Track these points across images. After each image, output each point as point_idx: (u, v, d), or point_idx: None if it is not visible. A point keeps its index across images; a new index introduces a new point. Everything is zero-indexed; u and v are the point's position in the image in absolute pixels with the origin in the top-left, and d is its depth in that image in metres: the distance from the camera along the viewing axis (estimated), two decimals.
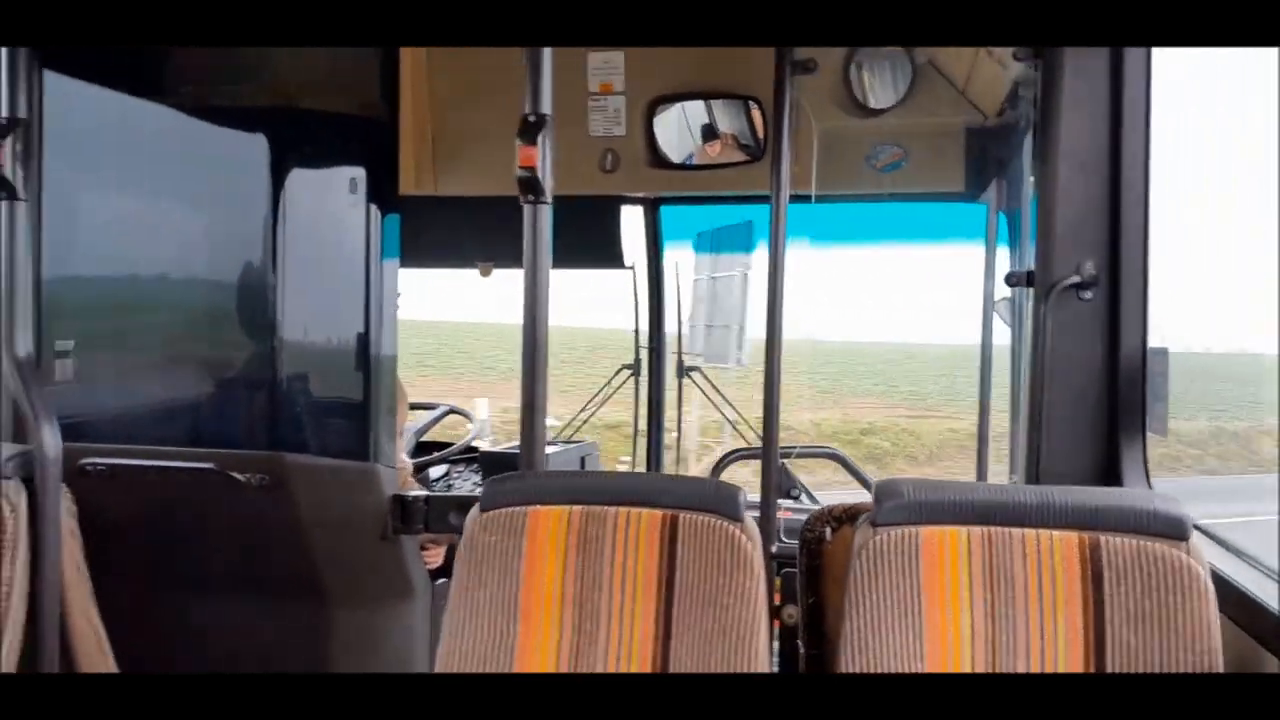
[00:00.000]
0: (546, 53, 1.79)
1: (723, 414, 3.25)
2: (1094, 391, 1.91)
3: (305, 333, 2.08)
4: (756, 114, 2.73)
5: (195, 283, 2.15)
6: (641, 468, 3.49)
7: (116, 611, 2.00)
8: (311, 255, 2.05)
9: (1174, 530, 1.32)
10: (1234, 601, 1.38)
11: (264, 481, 2.01)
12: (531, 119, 1.76)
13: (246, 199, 2.06)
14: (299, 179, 2.05)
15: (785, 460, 2.20)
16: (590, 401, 3.40)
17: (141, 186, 2.13)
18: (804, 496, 2.41)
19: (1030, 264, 2.02)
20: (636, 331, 3.39)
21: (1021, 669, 1.33)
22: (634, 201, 3.19)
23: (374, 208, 2.03)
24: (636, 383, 3.40)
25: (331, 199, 2.09)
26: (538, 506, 1.51)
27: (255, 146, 2.07)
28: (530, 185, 1.76)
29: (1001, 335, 2.80)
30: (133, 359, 2.19)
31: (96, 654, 1.88)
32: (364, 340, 2.07)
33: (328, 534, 2.10)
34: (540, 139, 1.75)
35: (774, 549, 2.02)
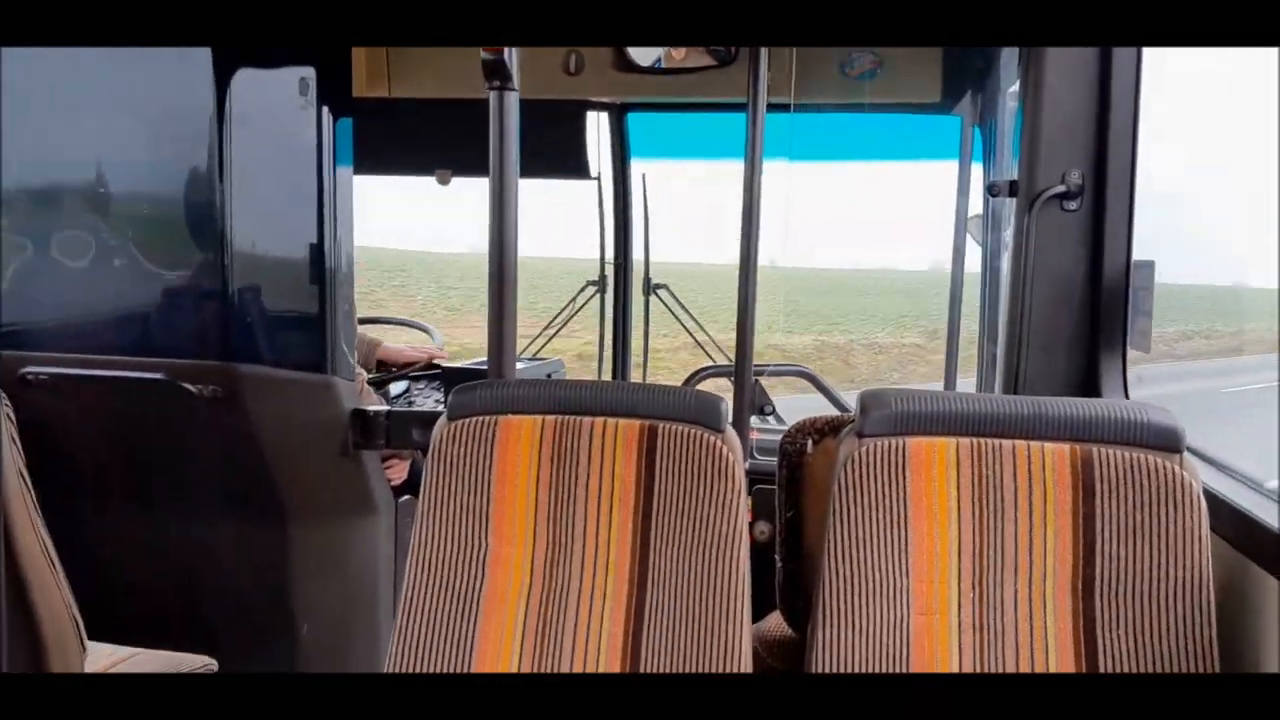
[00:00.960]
0: None
1: (691, 335, 3.19)
2: (1076, 303, 1.88)
3: (256, 242, 1.97)
4: None
5: (137, 187, 2.02)
6: None
7: (66, 524, 1.92)
8: (260, 161, 1.93)
9: (1168, 442, 1.29)
10: (1223, 516, 1.36)
11: (216, 393, 1.94)
12: None
13: (188, 99, 1.92)
14: (244, 79, 1.91)
15: (757, 378, 2.15)
16: (555, 319, 3.32)
17: (75, 84, 1.98)
18: (773, 418, 2.37)
19: (1005, 178, 1.97)
20: (601, 246, 3.29)
21: (1009, 583, 1.31)
22: (600, 107, 3.06)
23: (326, 110, 1.92)
24: (602, 299, 3.32)
25: (280, 101, 1.95)
26: (509, 415, 1.44)
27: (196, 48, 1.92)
28: (496, 70, 1.66)
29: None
30: (75, 265, 2.06)
31: (43, 565, 1.81)
32: (318, 250, 1.97)
33: (285, 448, 2.03)
34: None
35: (746, 466, 1.99)
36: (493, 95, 1.69)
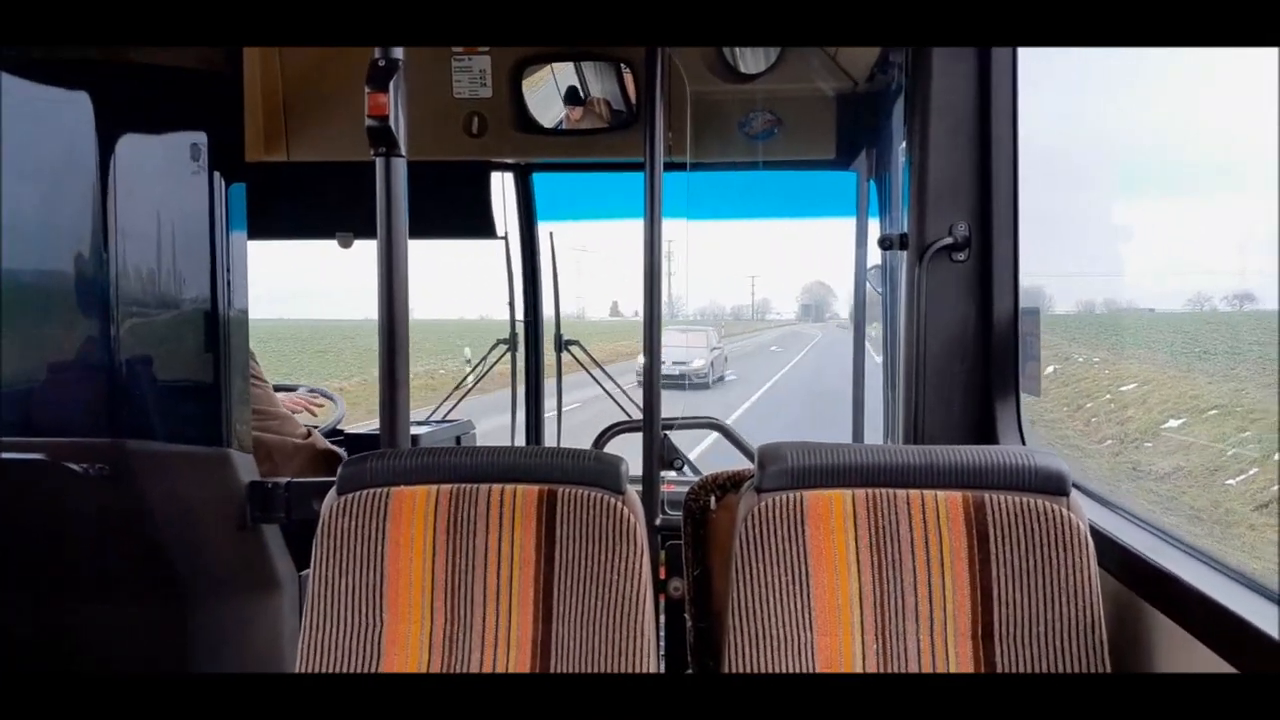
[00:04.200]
0: None
1: (603, 387, 3.19)
2: (969, 352, 1.93)
3: (145, 311, 1.91)
4: (629, 78, 2.66)
5: (16, 258, 1.94)
6: (521, 443, 3.41)
7: None
8: (149, 227, 1.88)
9: (1055, 486, 1.33)
10: (1111, 554, 1.40)
11: (104, 471, 1.85)
12: (381, 63, 1.64)
13: (71, 168, 1.86)
14: (131, 144, 1.86)
15: (667, 431, 2.15)
16: (464, 379, 3.29)
17: None
18: (687, 468, 2.37)
19: (901, 230, 2.03)
20: (511, 304, 3.28)
21: (910, 630, 1.31)
22: (504, 168, 3.07)
23: (218, 175, 1.88)
24: (514, 357, 3.30)
25: (169, 166, 1.91)
26: (401, 486, 1.41)
27: (79, 106, 1.87)
28: (381, 136, 1.64)
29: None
30: None
31: None
32: (211, 318, 1.91)
33: (180, 525, 1.95)
34: (392, 86, 1.62)
35: (658, 522, 1.98)
36: (379, 161, 1.68)
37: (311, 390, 3.05)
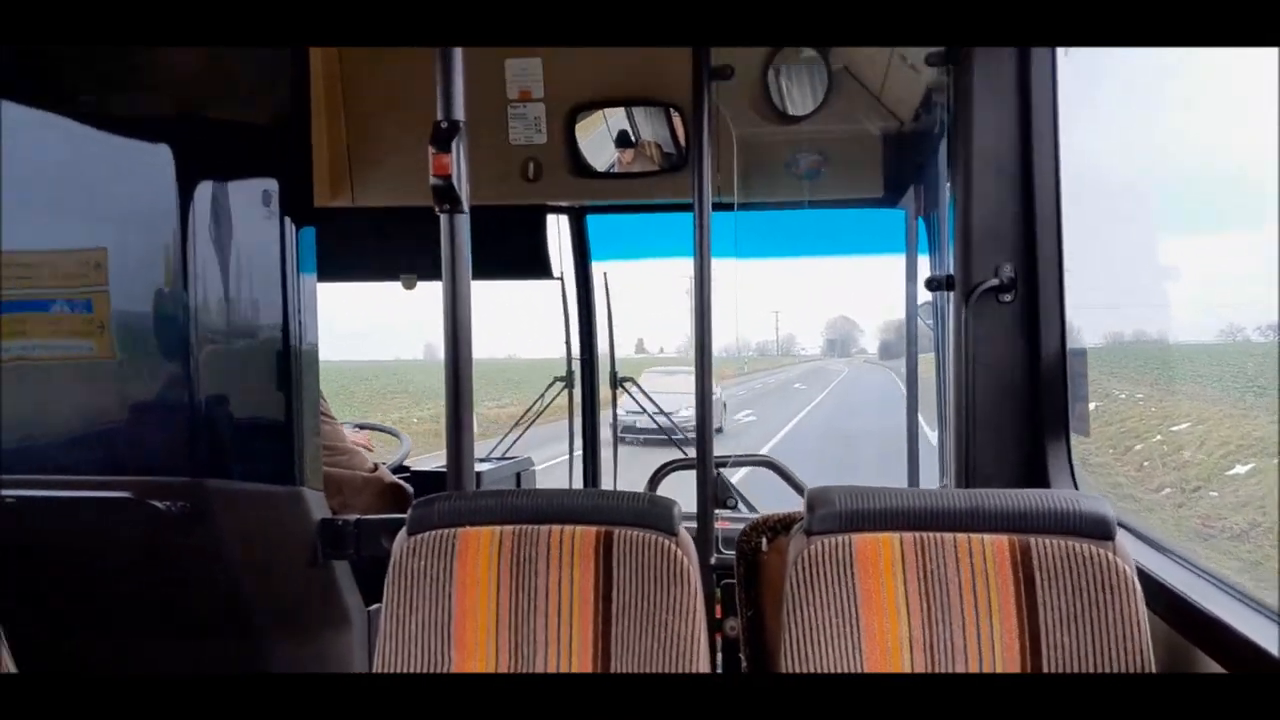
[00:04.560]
0: (457, 55, 1.75)
1: (656, 423, 3.24)
2: (1018, 393, 1.95)
3: (221, 353, 2.01)
4: (678, 121, 2.73)
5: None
6: (579, 481, 3.47)
7: (32, 652, 1.89)
8: (224, 272, 1.98)
9: (1100, 530, 1.35)
10: (1160, 598, 1.41)
11: (185, 509, 1.94)
12: (444, 125, 1.72)
13: (153, 215, 1.98)
14: (208, 193, 1.97)
15: (721, 469, 2.19)
16: (524, 415, 3.36)
17: (40, 203, 2.03)
18: (741, 506, 2.41)
19: (950, 268, 2.06)
20: (568, 343, 3.36)
21: (960, 672, 1.34)
22: (559, 211, 3.16)
23: (288, 221, 1.97)
24: (570, 395, 3.37)
25: (243, 213, 2.01)
26: (467, 528, 1.47)
27: (160, 159, 1.99)
28: (445, 194, 1.72)
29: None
30: (41, 385, 2.08)
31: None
32: (283, 359, 2.00)
33: (253, 562, 2.03)
34: (454, 145, 1.71)
35: (713, 560, 2.02)
36: (443, 218, 1.76)
37: (376, 427, 3.14)
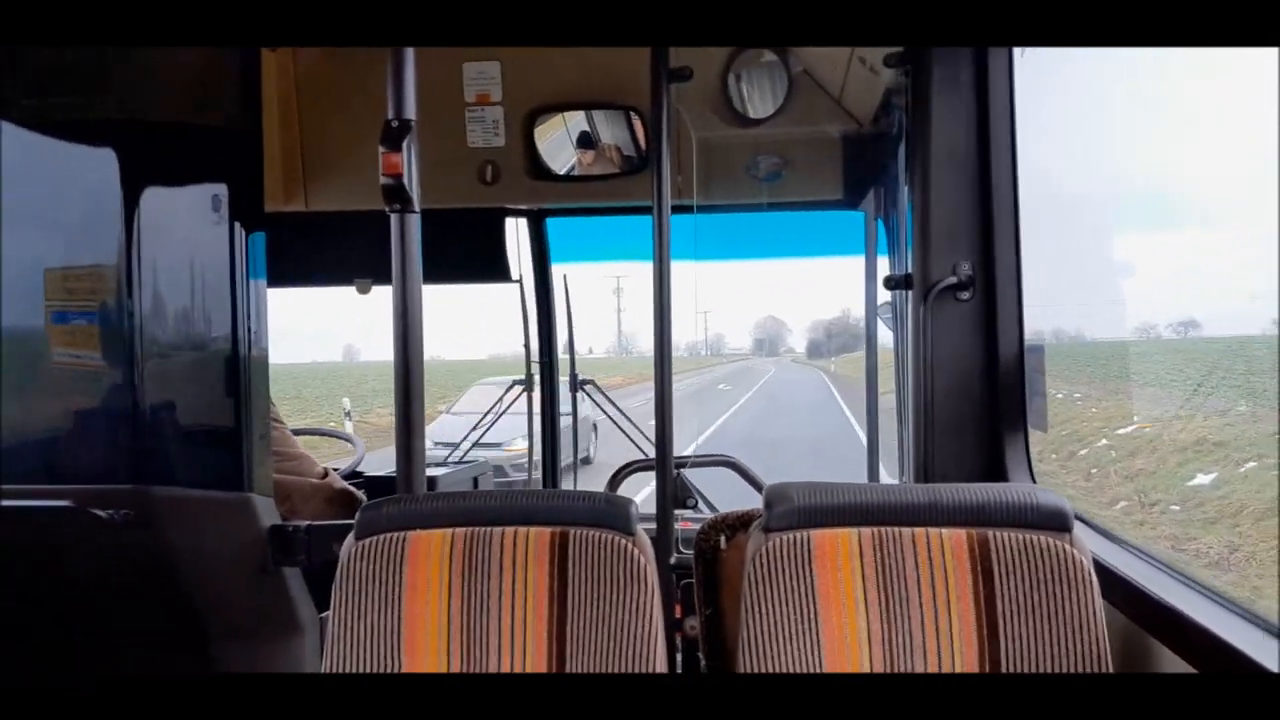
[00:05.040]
0: (409, 55, 1.73)
1: (617, 425, 3.22)
2: (976, 390, 1.96)
3: (167, 359, 1.96)
4: (638, 124, 2.73)
5: (39, 308, 2.00)
6: (538, 484, 3.44)
7: None
8: (171, 277, 1.94)
9: (1057, 522, 1.35)
10: (1116, 588, 1.41)
11: (128, 517, 1.89)
12: (395, 124, 1.70)
13: (97, 220, 1.93)
14: (155, 197, 1.93)
15: (680, 469, 2.17)
16: (481, 419, 3.33)
17: None
18: (701, 505, 2.39)
19: (909, 269, 2.06)
20: (527, 346, 3.33)
21: (919, 667, 1.33)
22: (518, 214, 3.14)
23: (238, 226, 1.94)
24: (530, 398, 3.34)
25: (192, 217, 1.97)
26: (418, 531, 1.44)
27: (104, 163, 1.94)
28: (396, 194, 1.70)
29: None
30: None
31: None
32: (232, 364, 1.96)
33: (202, 570, 1.98)
34: (405, 144, 1.69)
35: (673, 560, 2.00)
36: (394, 217, 1.73)
37: (328, 433, 3.09)
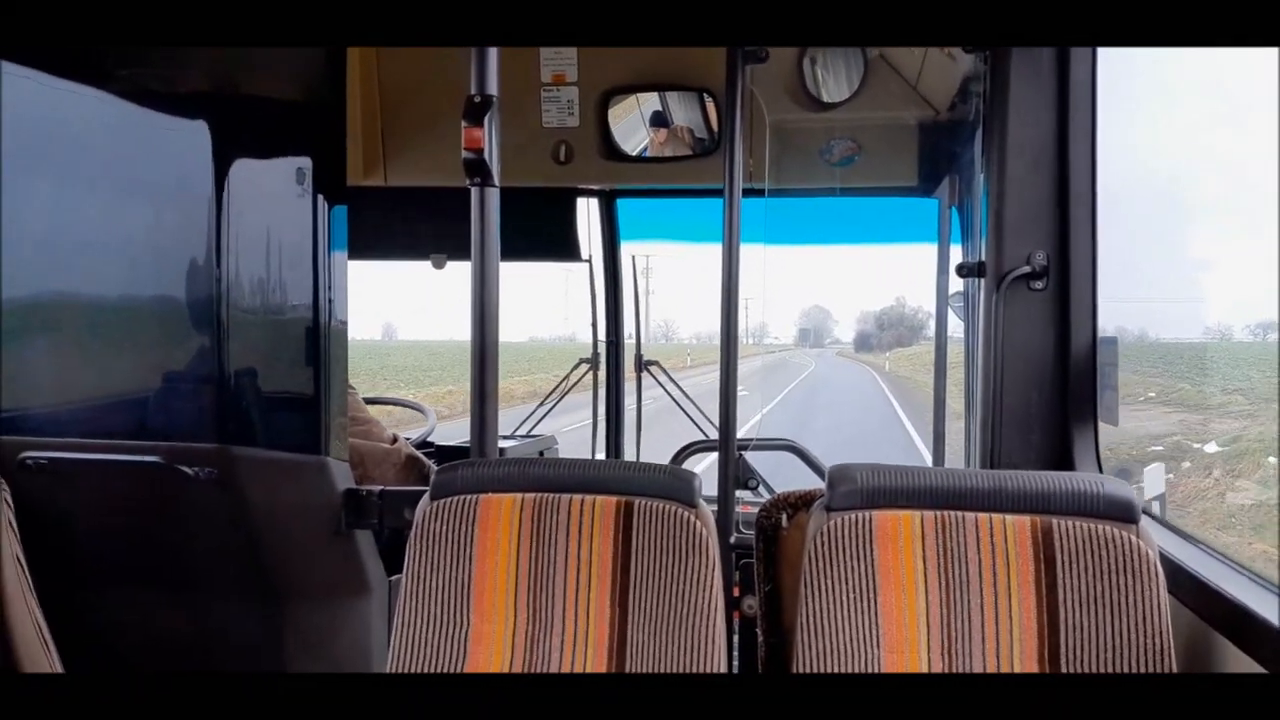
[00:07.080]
0: None
1: (681, 408, 3.24)
2: (1047, 380, 1.93)
3: (252, 326, 2.04)
4: (711, 106, 2.73)
5: (137, 274, 2.09)
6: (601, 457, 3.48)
7: (60, 607, 1.93)
8: (257, 247, 2.01)
9: (1123, 513, 1.33)
10: (1183, 583, 1.39)
11: (212, 475, 1.98)
12: (477, 100, 1.74)
13: (188, 188, 2.01)
14: (243, 168, 2.00)
15: (743, 451, 2.19)
16: (549, 394, 3.38)
17: (77, 174, 2.07)
18: (761, 488, 2.41)
19: (982, 256, 2.04)
20: (594, 325, 3.37)
21: (976, 652, 1.33)
22: (589, 193, 3.17)
23: (321, 198, 1.99)
24: (595, 376, 3.38)
25: (277, 189, 2.04)
26: (489, 494, 1.49)
27: (197, 134, 2.02)
28: (476, 168, 1.75)
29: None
30: (75, 352, 2.13)
31: (38, 649, 1.83)
32: (313, 333, 2.03)
33: (278, 529, 2.06)
34: (486, 120, 1.73)
35: (733, 540, 2.02)
36: (474, 191, 1.78)
37: (401, 402, 3.17)
